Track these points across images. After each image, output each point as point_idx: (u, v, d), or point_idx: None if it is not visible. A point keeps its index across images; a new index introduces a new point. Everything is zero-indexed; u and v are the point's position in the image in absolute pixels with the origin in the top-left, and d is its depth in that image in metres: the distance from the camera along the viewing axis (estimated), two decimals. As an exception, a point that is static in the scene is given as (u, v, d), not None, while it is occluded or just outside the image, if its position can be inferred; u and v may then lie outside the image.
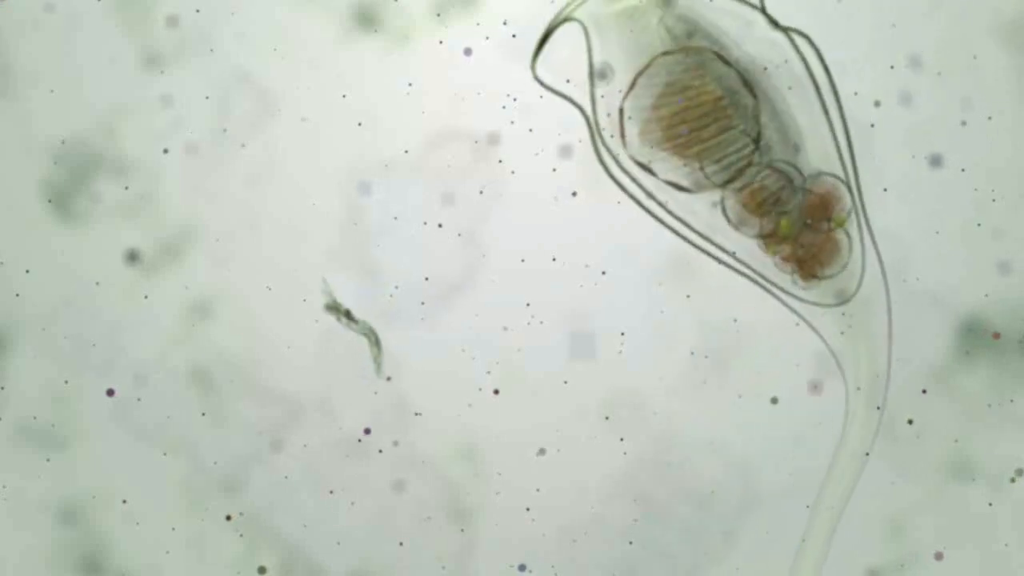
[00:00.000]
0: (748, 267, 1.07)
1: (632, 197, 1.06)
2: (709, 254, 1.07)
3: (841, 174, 1.06)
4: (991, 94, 1.08)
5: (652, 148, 1.04)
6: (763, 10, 1.05)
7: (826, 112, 1.05)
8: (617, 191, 1.08)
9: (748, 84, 1.03)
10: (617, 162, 1.05)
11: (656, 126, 1.04)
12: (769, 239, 1.05)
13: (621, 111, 1.04)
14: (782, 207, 1.04)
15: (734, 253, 1.07)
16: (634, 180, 1.06)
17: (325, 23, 1.09)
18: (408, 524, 1.11)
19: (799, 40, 1.05)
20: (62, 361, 1.10)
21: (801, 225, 1.05)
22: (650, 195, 1.06)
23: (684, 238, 1.07)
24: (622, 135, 1.04)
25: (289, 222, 1.09)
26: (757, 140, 1.03)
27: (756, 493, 1.09)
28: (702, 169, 1.02)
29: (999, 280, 1.08)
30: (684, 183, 1.05)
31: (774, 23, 1.05)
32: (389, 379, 1.10)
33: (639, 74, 1.03)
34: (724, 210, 1.04)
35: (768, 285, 1.07)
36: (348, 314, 1.03)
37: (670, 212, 1.06)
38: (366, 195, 1.09)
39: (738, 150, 1.04)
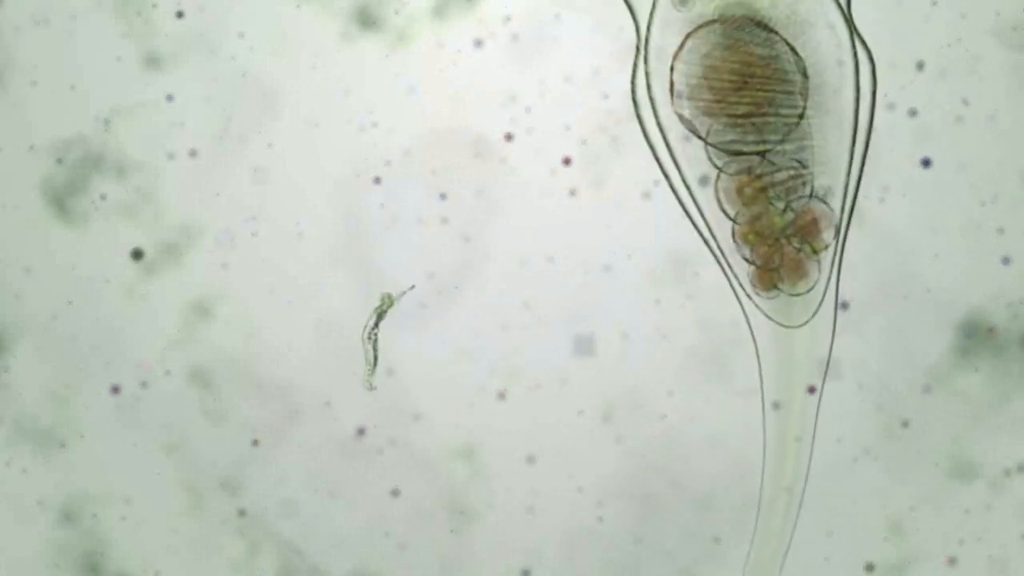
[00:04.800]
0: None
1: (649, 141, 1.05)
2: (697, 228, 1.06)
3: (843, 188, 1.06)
4: (991, 94, 1.08)
5: (698, 106, 1.03)
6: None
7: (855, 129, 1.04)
8: (617, 190, 1.08)
9: (798, 59, 1.02)
10: (653, 104, 1.04)
11: (704, 86, 1.03)
12: (751, 229, 1.05)
13: (672, 67, 1.03)
14: (778, 201, 1.04)
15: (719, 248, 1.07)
16: (661, 129, 1.05)
17: (325, 23, 1.09)
18: (408, 526, 1.10)
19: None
20: (62, 361, 1.10)
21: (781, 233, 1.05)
22: (670, 149, 1.05)
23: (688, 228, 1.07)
24: (671, 87, 1.03)
25: (289, 222, 1.09)
26: (800, 117, 1.02)
27: (756, 493, 1.09)
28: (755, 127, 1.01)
29: (999, 279, 1.09)
30: (726, 145, 1.04)
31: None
32: (374, 388, 1.10)
33: (688, 36, 1.02)
34: (716, 184, 1.04)
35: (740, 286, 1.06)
36: (379, 317, 1.03)
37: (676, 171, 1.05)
38: (366, 195, 1.09)
39: (780, 124, 1.03)
